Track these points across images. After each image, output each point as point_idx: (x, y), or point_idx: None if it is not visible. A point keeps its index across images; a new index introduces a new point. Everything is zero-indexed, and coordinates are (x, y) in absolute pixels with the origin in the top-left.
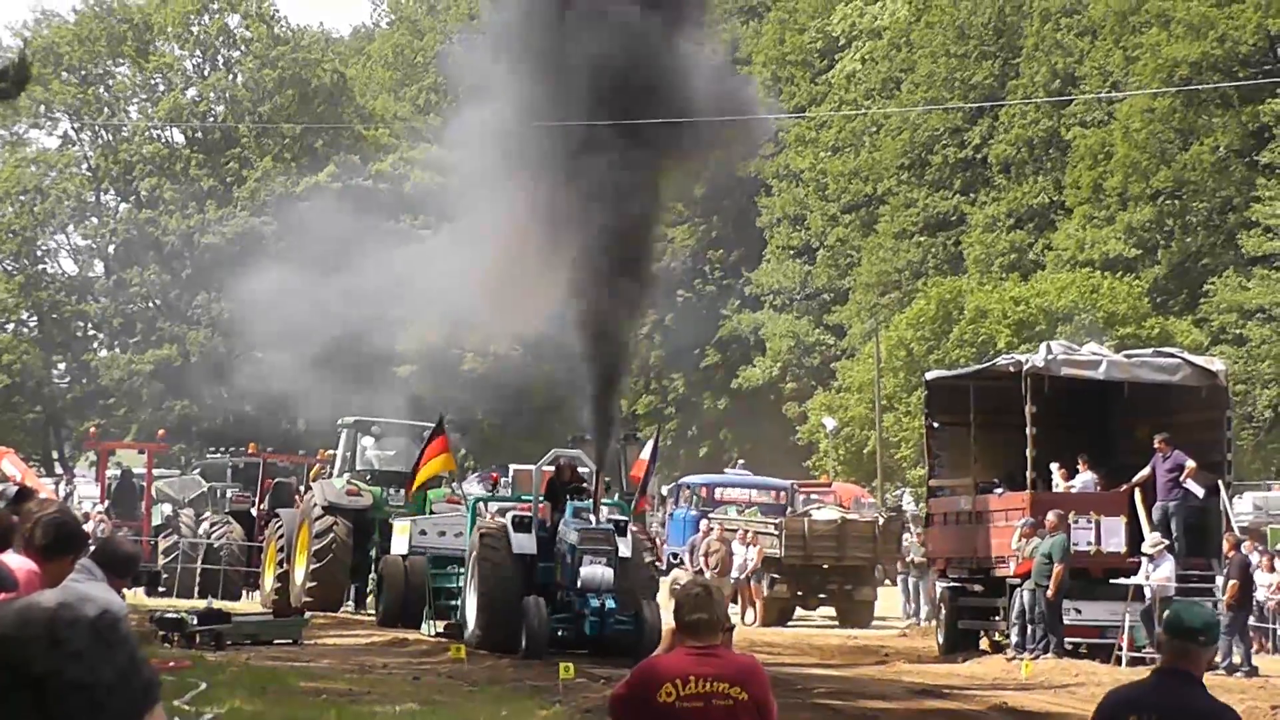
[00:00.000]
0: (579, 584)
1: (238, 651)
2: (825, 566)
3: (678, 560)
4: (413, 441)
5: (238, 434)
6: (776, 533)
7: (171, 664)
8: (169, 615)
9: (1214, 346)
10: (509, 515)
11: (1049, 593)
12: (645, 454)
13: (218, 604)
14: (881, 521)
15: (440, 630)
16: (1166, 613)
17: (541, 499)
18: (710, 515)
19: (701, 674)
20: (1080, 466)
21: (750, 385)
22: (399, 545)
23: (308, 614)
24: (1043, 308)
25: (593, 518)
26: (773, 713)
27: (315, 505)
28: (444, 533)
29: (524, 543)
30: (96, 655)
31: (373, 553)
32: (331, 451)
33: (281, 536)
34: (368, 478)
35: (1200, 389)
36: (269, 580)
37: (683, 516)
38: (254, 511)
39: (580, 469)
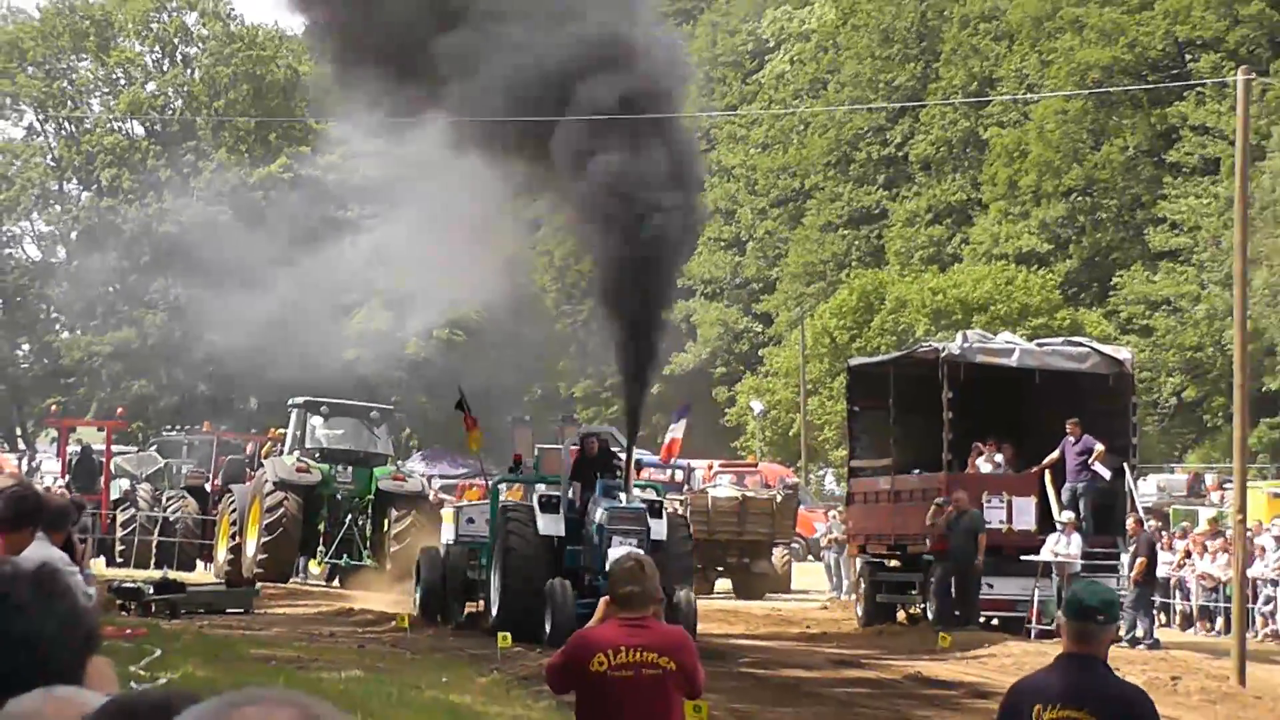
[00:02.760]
0: (606, 566)
1: (192, 620)
2: (725, 541)
3: None
4: (359, 421)
5: (193, 413)
6: (683, 509)
7: (128, 631)
8: (126, 585)
9: (1122, 336)
10: (535, 495)
11: (977, 560)
12: (680, 431)
13: (173, 575)
14: (779, 499)
15: (462, 619)
16: (1066, 595)
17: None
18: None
19: (632, 644)
20: (990, 448)
21: (682, 370)
22: (446, 534)
23: (259, 585)
24: (959, 298)
25: (623, 496)
26: (700, 682)
27: (266, 481)
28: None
29: (551, 524)
30: (39, 608)
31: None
32: (282, 430)
33: (234, 510)
34: (316, 455)
35: (1108, 376)
36: (222, 552)
37: None
38: (208, 487)
39: (614, 448)
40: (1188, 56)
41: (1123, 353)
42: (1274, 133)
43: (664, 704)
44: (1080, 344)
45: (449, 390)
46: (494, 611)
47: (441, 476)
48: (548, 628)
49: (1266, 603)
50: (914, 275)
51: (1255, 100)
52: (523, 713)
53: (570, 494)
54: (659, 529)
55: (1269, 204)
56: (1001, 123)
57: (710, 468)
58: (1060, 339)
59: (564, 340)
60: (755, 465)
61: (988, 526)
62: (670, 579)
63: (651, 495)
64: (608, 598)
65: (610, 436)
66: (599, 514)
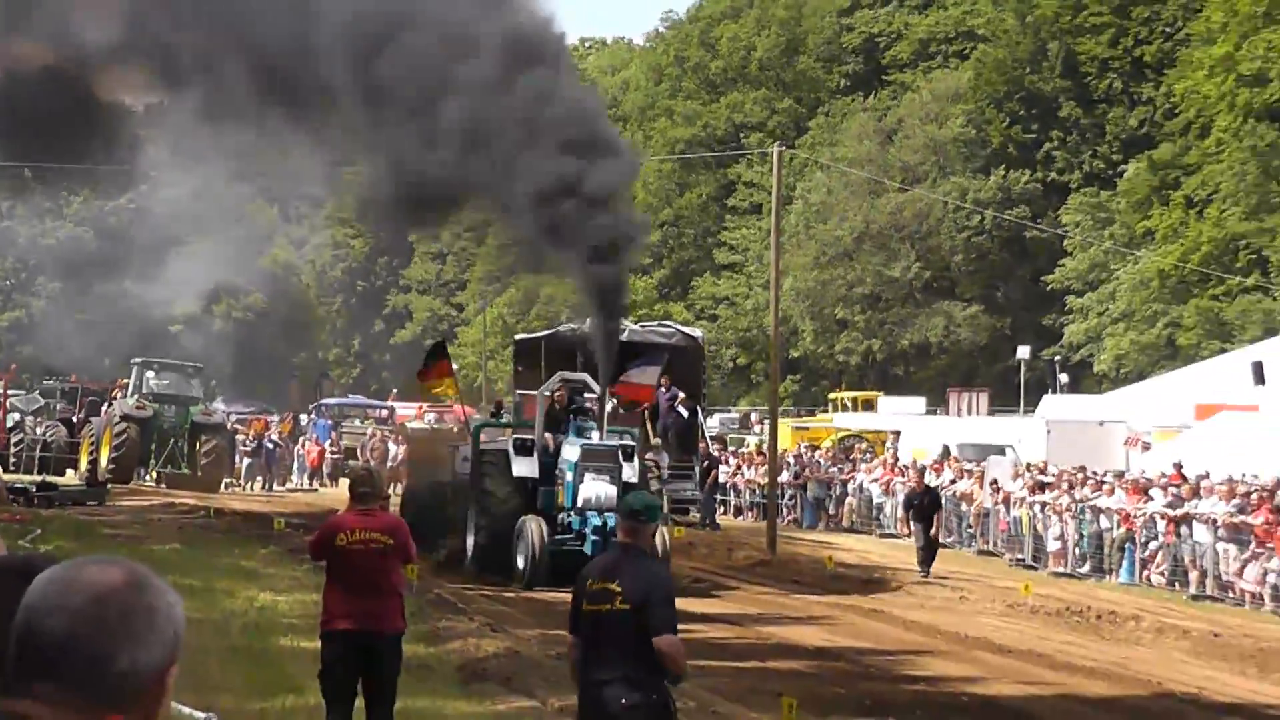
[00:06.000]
0: (579, 502)
1: (62, 509)
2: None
3: (338, 453)
4: (180, 374)
5: (65, 368)
6: (392, 436)
7: (18, 517)
8: (17, 486)
9: (697, 321)
10: (509, 438)
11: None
12: (650, 377)
13: (50, 478)
14: (456, 429)
15: (442, 558)
16: (620, 501)
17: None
18: (340, 424)
19: (363, 526)
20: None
21: (402, 342)
22: (442, 475)
23: (110, 486)
24: None
25: (595, 435)
26: (412, 553)
27: (115, 415)
28: None
29: (525, 466)
30: None
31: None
32: (126, 380)
33: (93, 435)
34: (150, 398)
35: (687, 348)
36: (84, 463)
37: (324, 426)
38: (74, 419)
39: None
40: (742, 135)
41: (697, 332)
42: (798, 186)
43: (385, 568)
44: (669, 326)
45: (241, 355)
46: (469, 549)
47: (237, 414)
48: (519, 562)
49: (791, 499)
50: (561, 279)
51: (786, 165)
52: (292, 572)
53: (544, 438)
54: (630, 471)
55: (794, 234)
56: None
57: (420, 409)
58: (655, 322)
59: (321, 321)
60: (452, 407)
61: None
62: None
63: (627, 440)
64: (349, 494)
65: (584, 384)
66: (573, 452)
